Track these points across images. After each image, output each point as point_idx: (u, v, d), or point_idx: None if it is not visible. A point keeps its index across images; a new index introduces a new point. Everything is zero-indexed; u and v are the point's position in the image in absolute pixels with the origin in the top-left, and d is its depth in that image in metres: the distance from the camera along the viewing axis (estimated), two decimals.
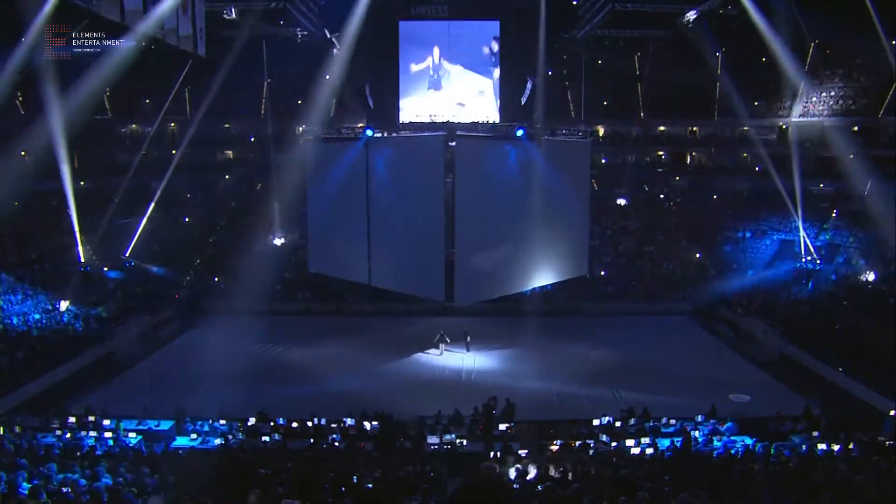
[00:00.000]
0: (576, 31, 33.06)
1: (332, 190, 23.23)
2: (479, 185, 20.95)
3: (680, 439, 14.03)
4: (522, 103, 31.07)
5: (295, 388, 19.57)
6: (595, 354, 22.93)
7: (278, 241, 32.79)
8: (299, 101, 35.17)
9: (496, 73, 31.65)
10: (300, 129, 31.42)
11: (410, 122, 30.95)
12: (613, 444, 14.16)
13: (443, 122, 29.31)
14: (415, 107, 31.66)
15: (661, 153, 39.23)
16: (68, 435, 14.42)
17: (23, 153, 26.60)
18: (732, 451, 13.25)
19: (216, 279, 30.16)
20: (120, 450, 12.98)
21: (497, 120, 31.21)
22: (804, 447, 12.90)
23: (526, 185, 21.51)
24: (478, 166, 21.31)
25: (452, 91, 31.68)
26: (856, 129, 32.01)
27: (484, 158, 21.74)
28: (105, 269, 27.77)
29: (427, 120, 30.64)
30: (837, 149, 29.16)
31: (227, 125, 37.94)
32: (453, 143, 21.50)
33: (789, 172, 29.26)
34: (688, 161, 39.18)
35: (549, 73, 35.70)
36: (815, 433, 14.40)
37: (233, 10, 28.75)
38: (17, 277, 24.91)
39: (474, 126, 29.33)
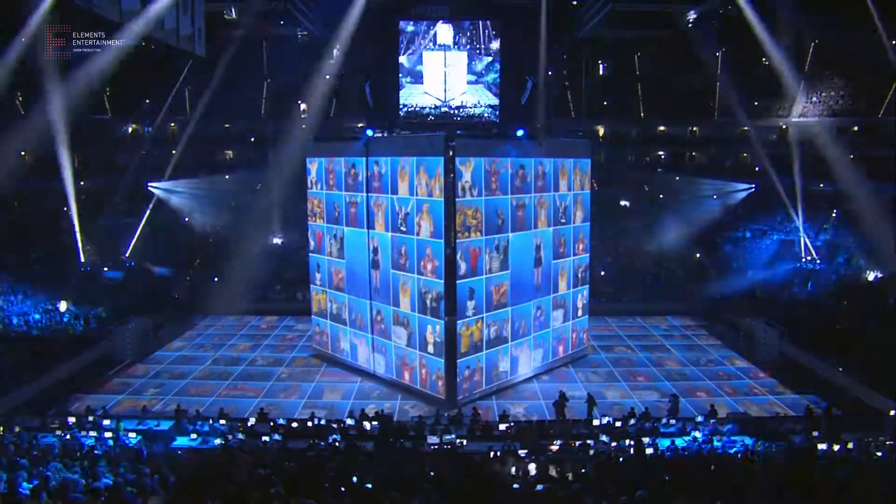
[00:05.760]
0: (575, 31, 33.02)
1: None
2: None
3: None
4: (522, 103, 31.04)
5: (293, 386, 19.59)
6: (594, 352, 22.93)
7: (278, 241, 32.77)
8: (299, 101, 35.17)
9: (494, 71, 31.62)
10: (300, 128, 31.42)
11: (410, 122, 30.91)
12: (613, 444, 14.16)
13: (443, 122, 29.30)
14: (414, 105, 31.65)
15: (661, 153, 39.20)
16: (68, 436, 14.38)
17: (23, 153, 26.60)
18: (732, 451, 13.24)
19: (216, 279, 30.10)
20: (120, 450, 12.96)
21: (497, 119, 31.18)
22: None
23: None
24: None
25: (452, 90, 31.64)
26: (856, 128, 31.97)
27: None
28: (105, 269, 27.75)
29: (427, 118, 30.63)
30: (837, 148, 29.13)
31: (227, 125, 37.86)
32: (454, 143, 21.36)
33: (789, 172, 29.19)
34: (687, 161, 39.16)
35: (550, 72, 35.71)
36: (815, 433, 14.39)
37: (233, 10, 28.75)
38: (17, 278, 24.92)
39: (475, 125, 29.32)
